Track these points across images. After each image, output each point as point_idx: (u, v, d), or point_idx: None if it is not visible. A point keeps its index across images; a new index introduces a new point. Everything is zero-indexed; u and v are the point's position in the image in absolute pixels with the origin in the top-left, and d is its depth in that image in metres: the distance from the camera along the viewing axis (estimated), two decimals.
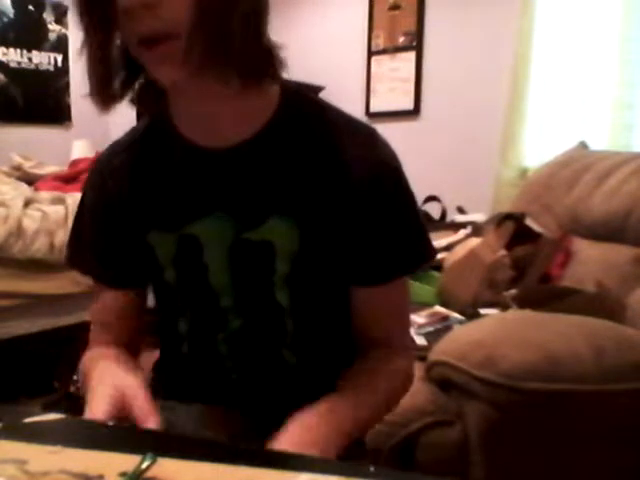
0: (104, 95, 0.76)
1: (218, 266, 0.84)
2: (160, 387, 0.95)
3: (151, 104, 0.84)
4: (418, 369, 1.45)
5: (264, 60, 0.76)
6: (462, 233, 2.37)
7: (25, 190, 3.03)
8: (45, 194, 2.85)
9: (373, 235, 0.82)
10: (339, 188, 0.80)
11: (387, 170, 0.82)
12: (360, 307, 0.87)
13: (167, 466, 0.55)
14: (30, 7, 4.72)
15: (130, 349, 0.93)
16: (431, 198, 2.93)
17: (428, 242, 0.87)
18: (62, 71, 4.80)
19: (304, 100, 0.85)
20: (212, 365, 0.91)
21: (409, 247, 0.85)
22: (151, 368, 1.02)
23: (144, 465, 0.54)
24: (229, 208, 0.82)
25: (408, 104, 3.33)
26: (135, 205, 0.87)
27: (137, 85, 0.80)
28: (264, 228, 0.81)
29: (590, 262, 1.91)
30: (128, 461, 0.55)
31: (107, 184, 0.88)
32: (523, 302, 1.73)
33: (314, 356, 0.90)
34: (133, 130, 0.90)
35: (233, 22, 0.70)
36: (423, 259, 0.88)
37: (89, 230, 0.92)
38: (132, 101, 0.81)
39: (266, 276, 0.83)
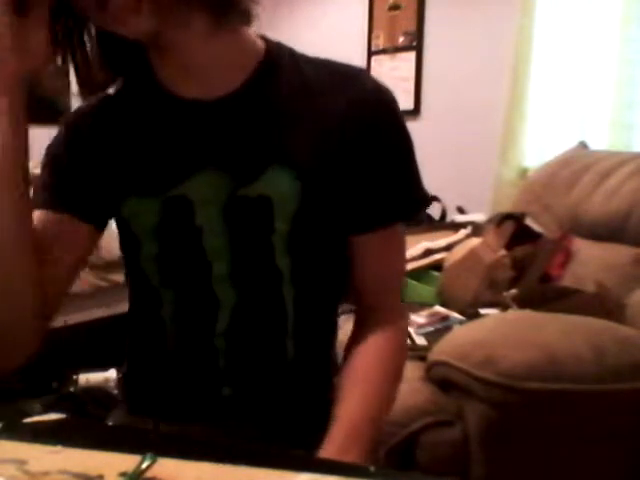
0: (87, 89, 0.77)
1: (213, 228, 0.78)
2: (130, 403, 0.91)
3: (126, 65, 0.79)
4: (418, 369, 1.45)
5: None
6: (462, 233, 2.37)
7: None
8: None
9: (373, 177, 0.80)
10: (336, 132, 0.78)
11: (385, 105, 0.80)
12: (358, 259, 0.84)
13: (167, 466, 0.55)
14: None
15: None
16: (431, 198, 2.92)
17: (422, 186, 0.86)
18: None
19: (289, 50, 0.83)
20: (202, 363, 0.85)
21: (409, 187, 0.84)
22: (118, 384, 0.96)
23: (144, 465, 0.54)
24: (222, 162, 0.77)
25: (408, 104, 3.33)
26: (108, 171, 0.80)
27: (101, 51, 0.76)
28: (262, 181, 0.76)
29: (590, 262, 1.91)
30: (128, 461, 0.55)
31: (73, 149, 0.82)
32: (523, 302, 1.73)
33: (314, 339, 0.87)
34: (99, 96, 0.83)
35: None
36: (422, 201, 0.87)
37: (61, 164, 0.83)
38: (104, 65, 0.77)
39: (265, 237, 0.78)
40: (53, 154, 0.84)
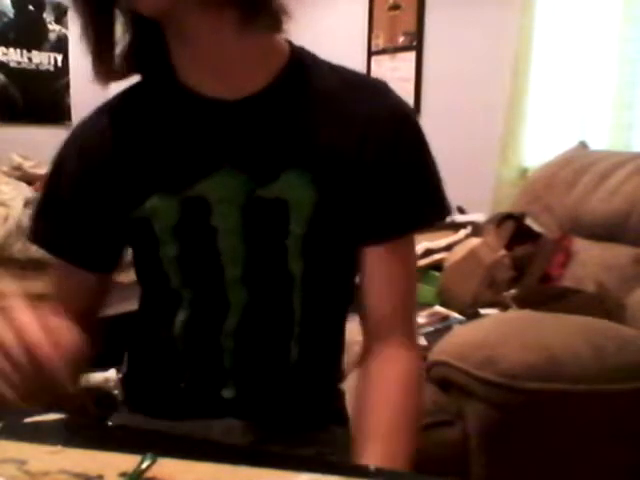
0: (101, 71, 0.76)
1: (229, 228, 0.78)
2: (131, 402, 0.91)
3: (145, 63, 0.80)
4: None
5: None
6: (462, 233, 2.37)
7: (25, 190, 3.03)
8: None
9: (390, 186, 0.80)
10: (356, 141, 0.78)
11: (407, 120, 0.81)
12: (369, 273, 0.82)
13: (167, 466, 0.55)
14: (30, 7, 4.72)
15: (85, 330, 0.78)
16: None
17: (444, 197, 0.83)
18: (62, 71, 4.80)
19: (314, 56, 0.84)
20: (208, 362, 0.85)
21: (425, 199, 0.82)
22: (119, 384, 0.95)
23: (144, 465, 0.54)
24: (241, 163, 0.77)
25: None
26: (128, 170, 0.80)
27: (128, 44, 0.77)
28: (278, 184, 0.77)
29: (590, 262, 1.91)
30: (128, 461, 0.55)
31: (86, 152, 0.81)
32: (523, 302, 1.73)
33: (319, 344, 0.86)
34: (113, 97, 0.84)
35: None
36: (439, 213, 0.84)
37: (60, 205, 0.83)
38: (124, 62, 0.77)
39: (279, 240, 0.79)
40: (69, 185, 0.82)
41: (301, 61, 0.81)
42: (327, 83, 0.80)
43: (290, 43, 0.82)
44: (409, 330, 0.84)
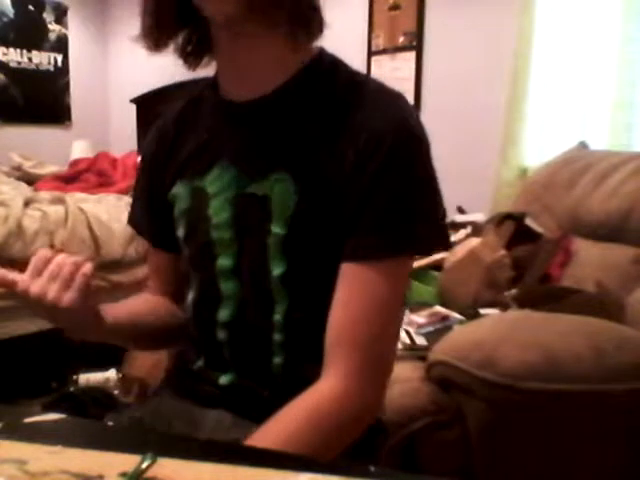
0: (153, 39, 0.81)
1: (221, 221, 0.84)
2: (173, 383, 0.96)
3: (195, 60, 0.87)
4: (418, 369, 1.45)
5: (312, 8, 0.79)
6: (462, 233, 2.37)
7: (25, 190, 3.03)
8: (45, 194, 2.86)
9: (375, 203, 0.76)
10: (352, 151, 0.77)
11: (409, 139, 0.77)
12: (335, 289, 0.78)
13: (167, 466, 0.55)
14: (30, 7, 4.73)
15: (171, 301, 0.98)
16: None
17: (431, 228, 0.78)
18: (62, 71, 4.80)
19: (336, 63, 0.85)
20: (209, 350, 0.90)
21: (406, 226, 0.76)
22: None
23: (144, 465, 0.54)
24: (236, 158, 0.83)
25: None
26: (173, 157, 0.91)
27: (182, 39, 0.84)
28: (266, 182, 0.81)
29: (590, 262, 1.91)
30: (128, 461, 0.55)
31: (160, 134, 0.94)
32: (523, 302, 1.73)
33: (303, 350, 0.84)
34: (197, 81, 0.94)
35: None
36: (415, 245, 0.78)
37: (138, 185, 0.99)
38: (180, 57, 0.86)
39: (261, 237, 0.81)
40: (145, 165, 0.98)
41: (318, 67, 0.83)
42: (337, 91, 0.82)
43: (319, 49, 0.85)
44: (358, 364, 0.76)
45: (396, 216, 0.76)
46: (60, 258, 0.74)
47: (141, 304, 0.97)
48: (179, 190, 0.89)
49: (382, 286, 0.77)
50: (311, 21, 0.79)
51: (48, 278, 0.73)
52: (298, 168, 0.79)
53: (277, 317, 0.83)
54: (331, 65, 0.84)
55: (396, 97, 0.81)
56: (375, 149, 0.76)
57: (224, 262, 0.85)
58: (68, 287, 0.73)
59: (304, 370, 0.82)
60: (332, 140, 0.79)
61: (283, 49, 0.80)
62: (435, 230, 0.80)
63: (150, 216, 0.96)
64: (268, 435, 0.72)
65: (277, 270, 0.81)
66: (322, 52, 0.85)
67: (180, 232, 0.89)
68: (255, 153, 0.83)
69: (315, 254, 0.80)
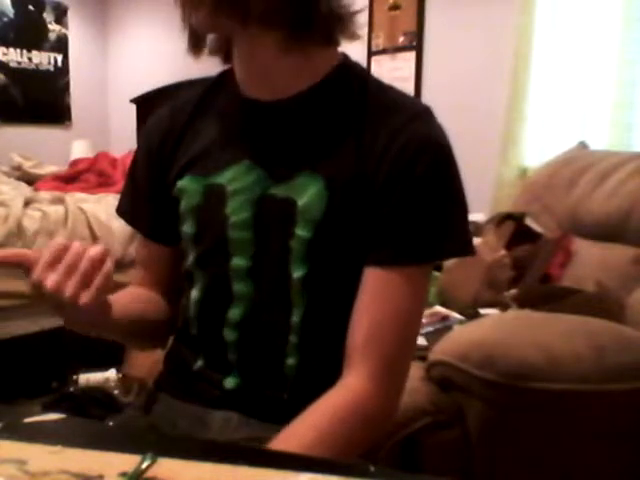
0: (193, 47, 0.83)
1: (240, 220, 0.82)
2: (167, 381, 0.94)
3: (221, 55, 0.86)
4: (418, 369, 1.45)
5: (347, 15, 0.82)
6: None
7: (25, 190, 3.03)
8: (45, 194, 2.86)
9: (403, 211, 0.78)
10: (381, 156, 0.78)
11: (437, 147, 0.79)
12: (358, 293, 0.80)
13: (167, 466, 0.55)
14: (30, 7, 4.73)
15: (163, 297, 0.94)
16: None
17: (460, 235, 0.82)
18: (62, 71, 4.80)
19: (363, 72, 0.86)
20: (213, 351, 0.88)
21: (437, 233, 0.79)
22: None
23: (144, 465, 0.54)
24: (260, 158, 0.82)
25: None
26: (181, 147, 0.88)
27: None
28: (291, 184, 0.79)
29: (590, 262, 1.91)
30: (128, 461, 0.55)
31: (165, 119, 0.91)
32: (523, 302, 1.73)
33: (318, 353, 0.85)
34: (205, 78, 0.93)
35: None
36: (451, 251, 0.83)
37: (136, 174, 0.94)
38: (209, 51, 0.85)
39: (283, 240, 0.80)
40: (144, 152, 0.94)
41: (345, 73, 0.84)
42: (364, 98, 0.82)
43: (344, 55, 0.86)
44: (380, 368, 0.78)
45: (426, 227, 0.79)
46: (78, 247, 0.68)
47: (135, 299, 0.92)
48: (188, 184, 0.86)
49: (406, 292, 0.79)
50: (308, 25, 0.78)
51: (65, 271, 0.67)
52: (329, 170, 0.79)
53: (294, 319, 0.82)
54: (359, 70, 0.86)
55: (424, 111, 0.82)
56: (410, 160, 0.77)
57: (239, 262, 0.83)
58: (87, 285, 0.67)
59: (317, 371, 0.83)
60: (363, 146, 0.79)
61: (305, 55, 0.80)
62: (462, 242, 0.84)
63: (148, 207, 0.93)
64: (295, 435, 0.74)
65: (298, 273, 0.80)
66: (346, 56, 0.86)
67: (188, 228, 0.86)
68: (282, 155, 0.81)
69: (338, 258, 0.81)
